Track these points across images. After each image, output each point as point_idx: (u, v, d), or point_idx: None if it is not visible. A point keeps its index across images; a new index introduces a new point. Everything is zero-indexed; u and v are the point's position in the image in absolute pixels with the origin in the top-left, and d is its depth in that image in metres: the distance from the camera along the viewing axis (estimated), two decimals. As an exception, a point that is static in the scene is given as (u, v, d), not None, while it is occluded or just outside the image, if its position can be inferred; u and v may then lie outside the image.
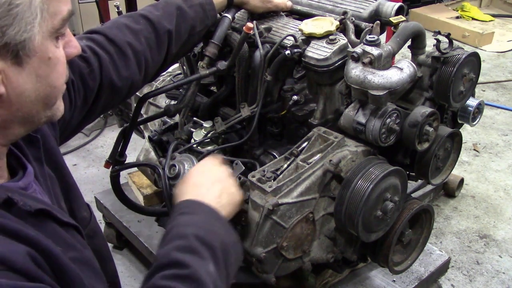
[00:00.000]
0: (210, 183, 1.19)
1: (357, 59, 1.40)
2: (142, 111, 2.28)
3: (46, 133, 1.11)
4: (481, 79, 2.87)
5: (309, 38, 1.53)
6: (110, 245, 2.52)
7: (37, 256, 0.82)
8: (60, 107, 0.95)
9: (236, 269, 1.08)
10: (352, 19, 1.59)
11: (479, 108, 1.77)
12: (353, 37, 1.55)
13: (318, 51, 1.49)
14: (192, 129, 1.76)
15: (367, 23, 1.59)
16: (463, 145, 1.72)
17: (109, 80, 1.31)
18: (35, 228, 0.86)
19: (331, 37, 1.51)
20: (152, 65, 1.43)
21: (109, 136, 3.69)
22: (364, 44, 1.41)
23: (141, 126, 2.40)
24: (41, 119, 0.92)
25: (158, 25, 1.42)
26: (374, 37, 1.41)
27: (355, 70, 1.39)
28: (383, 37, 1.55)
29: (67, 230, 0.96)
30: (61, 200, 1.08)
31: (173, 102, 1.76)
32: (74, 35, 0.96)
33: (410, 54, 1.63)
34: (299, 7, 1.76)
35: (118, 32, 1.36)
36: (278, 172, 1.40)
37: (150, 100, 2.30)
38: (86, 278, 0.93)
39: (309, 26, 1.54)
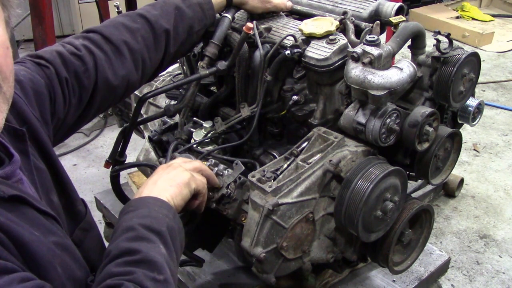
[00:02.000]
0: (149, 179, 1.20)
1: (357, 59, 1.40)
2: (142, 111, 2.27)
3: (37, 128, 1.11)
4: (481, 79, 2.87)
5: (309, 38, 1.53)
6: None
7: (5, 239, 0.83)
8: None
9: (181, 253, 1.11)
10: (352, 19, 1.59)
11: (479, 108, 1.76)
12: (353, 37, 1.55)
13: (318, 51, 1.49)
14: (192, 129, 1.75)
15: (367, 23, 1.59)
16: (463, 145, 1.72)
17: (105, 78, 1.31)
18: (11, 213, 0.88)
19: (331, 37, 1.51)
20: (149, 65, 1.43)
21: (109, 136, 3.69)
22: (364, 44, 1.41)
23: (141, 126, 2.40)
24: None
25: (155, 24, 1.41)
26: (374, 37, 1.40)
27: (355, 70, 1.39)
28: (383, 37, 1.55)
29: (47, 219, 0.98)
30: (51, 193, 1.09)
31: (173, 102, 1.75)
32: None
33: (410, 54, 1.63)
34: (299, 7, 1.75)
35: (115, 30, 1.36)
36: (278, 172, 1.40)
37: (150, 100, 2.30)
38: (64, 264, 0.95)
39: (309, 26, 1.54)
